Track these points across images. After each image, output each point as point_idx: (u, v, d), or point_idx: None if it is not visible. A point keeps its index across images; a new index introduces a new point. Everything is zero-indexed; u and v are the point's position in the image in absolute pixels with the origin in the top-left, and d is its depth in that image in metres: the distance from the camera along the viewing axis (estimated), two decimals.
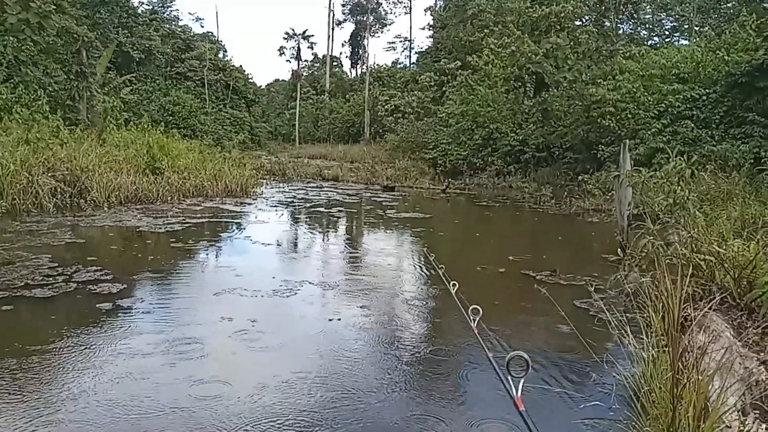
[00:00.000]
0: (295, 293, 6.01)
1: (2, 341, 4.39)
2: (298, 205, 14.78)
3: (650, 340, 3.66)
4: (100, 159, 12.56)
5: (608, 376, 3.71)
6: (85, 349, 4.24)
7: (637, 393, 3.33)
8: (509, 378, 1.68)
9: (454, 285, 2.13)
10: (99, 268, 6.56)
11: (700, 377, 3.04)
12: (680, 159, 8.09)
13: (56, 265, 6.63)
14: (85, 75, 18.23)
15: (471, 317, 2.02)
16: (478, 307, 1.95)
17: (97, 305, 5.26)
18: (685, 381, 3.08)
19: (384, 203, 15.56)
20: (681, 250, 5.45)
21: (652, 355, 3.53)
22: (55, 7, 17.49)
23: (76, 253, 7.60)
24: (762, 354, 3.65)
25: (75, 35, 18.43)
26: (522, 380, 1.68)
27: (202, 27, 69.71)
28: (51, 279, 6.02)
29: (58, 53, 19.91)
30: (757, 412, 3.11)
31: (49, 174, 11.24)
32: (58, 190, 11.23)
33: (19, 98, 15.45)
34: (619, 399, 3.51)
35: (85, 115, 17.84)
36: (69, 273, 6.28)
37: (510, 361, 1.67)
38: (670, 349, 3.25)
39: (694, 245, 5.45)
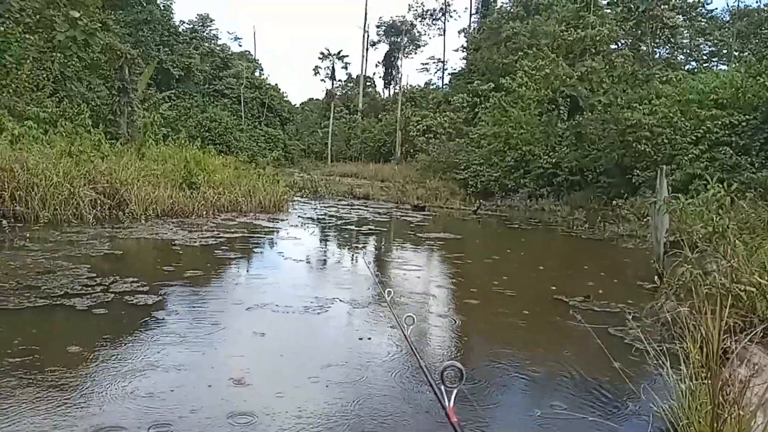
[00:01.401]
0: (326, 310, 6.04)
1: (41, 348, 4.50)
2: (329, 223, 14.89)
3: (688, 372, 3.57)
4: (139, 173, 12.88)
5: (645, 407, 3.62)
6: (120, 358, 4.32)
7: (675, 426, 3.25)
8: (442, 388, 1.68)
9: (389, 292, 2.14)
10: (136, 279, 6.69)
11: (741, 412, 2.96)
12: (719, 186, 7.94)
13: (95, 275, 6.79)
14: (126, 91, 18.80)
15: (404, 326, 2.04)
16: (412, 315, 1.97)
17: (133, 315, 5.37)
18: (726, 415, 3.00)
19: (414, 223, 15.58)
20: (720, 279, 5.32)
21: (691, 386, 3.44)
22: (100, 25, 18.16)
23: (114, 264, 7.78)
24: None
25: (118, 52, 19.07)
26: (455, 390, 1.68)
27: (240, 46, 71.27)
28: (90, 288, 6.17)
29: (102, 69, 20.64)
30: None
31: (90, 186, 11.55)
32: (98, 201, 11.53)
33: (63, 112, 15.99)
34: (656, 431, 3.42)
35: (125, 130, 18.36)
36: (107, 283, 6.42)
37: (444, 372, 1.68)
38: (710, 381, 3.17)
39: (734, 275, 5.31)
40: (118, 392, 3.70)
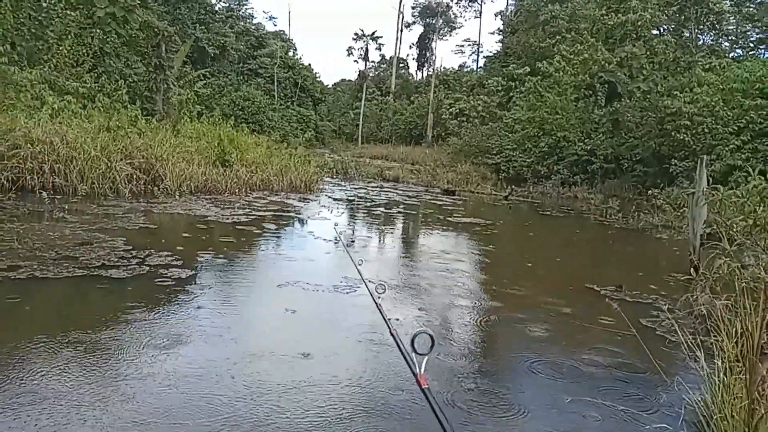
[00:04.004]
0: (355, 290, 6.07)
1: (78, 315, 4.64)
2: (359, 204, 14.92)
3: (724, 365, 3.50)
4: (174, 149, 13.06)
5: (677, 399, 3.57)
6: (153, 328, 4.42)
7: (708, 419, 3.20)
8: (413, 355, 1.68)
9: (360, 262, 2.14)
10: (170, 253, 6.82)
11: None
12: (761, 178, 7.71)
13: (130, 248, 6.94)
14: (163, 68, 19.00)
15: (377, 293, 2.04)
16: (384, 284, 1.98)
17: (167, 289, 5.48)
18: (763, 411, 2.93)
19: (444, 207, 15.51)
20: (760, 273, 5.17)
21: (725, 380, 3.37)
22: (139, 2, 18.35)
23: (149, 237, 7.93)
24: None
25: (156, 30, 19.24)
26: (426, 358, 1.67)
27: (275, 25, 71.50)
28: (125, 261, 6.31)
29: (140, 46, 20.88)
30: None
31: (126, 161, 11.77)
32: (134, 176, 11.74)
33: (101, 88, 16.26)
34: (688, 423, 3.37)
35: (161, 107, 18.60)
36: (142, 256, 6.56)
37: (415, 338, 1.67)
38: (747, 375, 3.10)
39: None
40: (145, 362, 3.79)
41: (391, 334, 1.88)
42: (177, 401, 3.29)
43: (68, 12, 17.07)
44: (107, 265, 6.07)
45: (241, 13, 51.77)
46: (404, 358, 1.76)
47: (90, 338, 4.08)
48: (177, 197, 11.82)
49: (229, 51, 42.05)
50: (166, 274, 5.96)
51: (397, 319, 5.21)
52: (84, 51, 16.98)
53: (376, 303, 2.14)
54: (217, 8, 45.31)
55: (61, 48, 15.83)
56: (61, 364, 3.61)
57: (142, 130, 13.43)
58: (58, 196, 10.29)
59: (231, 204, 11.72)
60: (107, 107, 14.34)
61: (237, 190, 13.47)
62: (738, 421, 3.01)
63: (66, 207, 9.36)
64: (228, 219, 9.95)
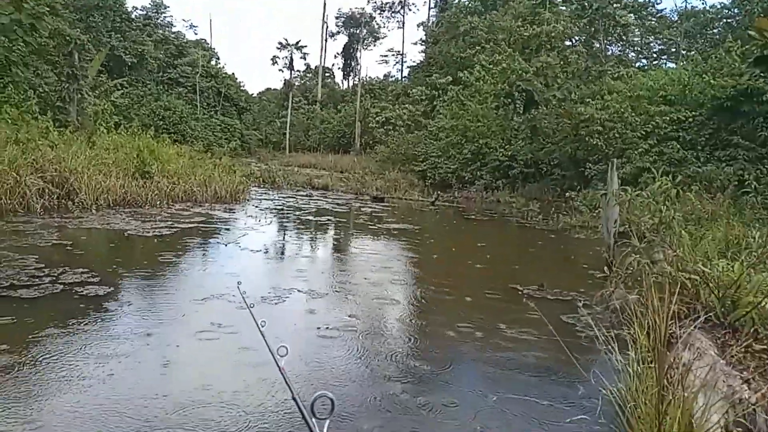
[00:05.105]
0: (284, 300, 6.01)
1: None
2: (287, 213, 14.76)
3: (636, 356, 3.71)
4: (90, 161, 12.50)
5: (595, 391, 3.75)
6: (69, 350, 4.20)
7: (623, 408, 3.37)
8: (313, 420, 1.62)
9: (263, 323, 2.04)
10: (86, 270, 6.51)
11: (685, 394, 3.09)
12: (666, 179, 8.24)
13: (43, 266, 6.58)
14: (76, 77, 18.18)
15: (278, 356, 1.91)
16: (285, 345, 1.87)
17: (83, 307, 5.23)
18: (671, 397, 3.13)
19: (373, 213, 15.60)
20: (667, 268, 5.53)
21: (638, 370, 3.57)
22: (48, 9, 17.44)
23: (63, 254, 7.54)
24: (745, 372, 3.71)
25: (67, 38, 18.40)
26: (327, 422, 1.63)
27: (196, 34, 69.52)
28: (37, 280, 5.98)
29: (50, 55, 19.85)
30: (740, 429, 3.16)
31: (38, 175, 11.16)
32: (46, 191, 11.15)
33: (8, 98, 15.36)
34: (605, 413, 3.54)
35: (75, 117, 17.76)
36: (56, 274, 6.23)
37: (315, 402, 1.61)
38: (657, 365, 3.30)
39: (679, 264, 5.52)
40: (62, 385, 3.61)
41: (293, 398, 1.75)
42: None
43: None
44: (17, 285, 5.72)
45: (159, 21, 50.16)
46: (305, 422, 1.64)
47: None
48: (94, 211, 11.29)
49: (148, 60, 40.65)
50: (81, 292, 5.69)
51: (327, 326, 5.20)
52: None
53: (279, 365, 1.97)
54: (133, 16, 43.70)
55: None
56: None
57: (54, 142, 12.78)
58: None
59: (152, 217, 11.31)
60: (15, 119, 13.55)
61: (158, 203, 13.02)
62: (650, 407, 3.20)
63: None
64: (149, 232, 9.59)
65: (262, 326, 2.30)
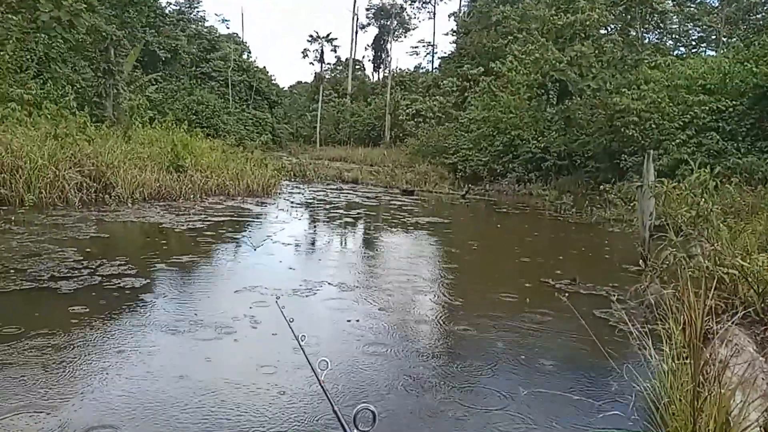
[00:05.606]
0: (315, 293, 6.06)
1: (29, 330, 4.49)
2: (318, 207, 14.86)
3: (671, 352, 3.63)
4: (125, 156, 12.76)
5: (628, 387, 3.68)
6: (106, 340, 4.32)
7: (656, 404, 3.31)
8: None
9: (302, 337, 2.01)
10: (123, 262, 6.67)
11: (722, 391, 3.02)
12: (704, 171, 8.01)
13: (81, 258, 6.76)
14: (112, 73, 18.57)
15: (318, 370, 1.88)
16: (326, 359, 1.83)
17: (121, 298, 5.36)
18: (707, 394, 3.05)
19: (403, 207, 15.59)
20: (704, 262, 5.38)
21: (673, 366, 3.50)
22: (85, 5, 17.82)
23: (101, 247, 7.74)
24: None
25: (104, 34, 18.75)
26: None
27: (228, 28, 70.38)
28: (76, 272, 6.14)
29: (87, 51, 20.33)
30: None
31: (76, 169, 11.44)
32: (84, 185, 11.42)
33: (47, 94, 15.76)
34: (639, 409, 3.48)
35: (111, 112, 18.16)
36: (94, 266, 6.39)
37: (357, 415, 1.60)
38: (692, 361, 3.22)
39: (717, 258, 5.38)
40: (98, 379, 3.71)
41: (334, 411, 1.75)
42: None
43: (9, 16, 16.45)
44: (57, 277, 5.89)
45: (192, 15, 50.75)
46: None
47: (39, 351, 3.96)
48: (129, 205, 11.54)
49: (181, 54, 41.23)
50: (119, 283, 5.82)
51: (357, 320, 5.23)
52: (28, 56, 16.42)
53: (318, 379, 1.96)
54: (167, 11, 44.33)
55: (2, 54, 15.27)
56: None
57: (91, 136, 13.08)
58: (4, 207, 9.94)
59: (186, 210, 11.51)
60: (54, 114, 13.89)
61: (192, 196, 13.23)
62: (684, 404, 3.13)
63: (12, 218, 9.04)
64: (183, 225, 9.77)
65: (302, 340, 2.30)
